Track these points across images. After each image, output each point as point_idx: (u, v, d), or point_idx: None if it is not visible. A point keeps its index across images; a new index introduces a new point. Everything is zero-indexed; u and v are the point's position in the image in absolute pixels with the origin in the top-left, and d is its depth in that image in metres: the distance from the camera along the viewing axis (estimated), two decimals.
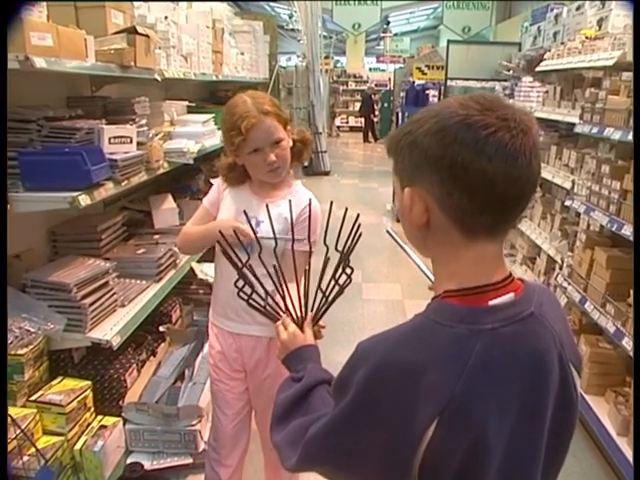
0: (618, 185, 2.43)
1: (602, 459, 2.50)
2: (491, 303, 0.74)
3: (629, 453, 2.22)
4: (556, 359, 0.77)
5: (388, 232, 1.23)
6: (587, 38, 3.37)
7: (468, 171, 0.69)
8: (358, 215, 1.26)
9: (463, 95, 0.77)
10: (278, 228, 1.50)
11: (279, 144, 1.67)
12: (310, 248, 1.45)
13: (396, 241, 1.18)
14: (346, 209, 1.31)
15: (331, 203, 1.32)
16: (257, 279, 1.27)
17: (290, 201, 1.54)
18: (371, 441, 0.74)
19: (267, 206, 1.49)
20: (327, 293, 1.22)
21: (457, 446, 0.69)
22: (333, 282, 1.22)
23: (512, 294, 0.76)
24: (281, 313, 1.23)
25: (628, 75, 2.59)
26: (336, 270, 1.19)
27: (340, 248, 1.22)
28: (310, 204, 1.63)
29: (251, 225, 1.46)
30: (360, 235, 1.21)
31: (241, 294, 1.24)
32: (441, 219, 0.74)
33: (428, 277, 1.12)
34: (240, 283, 1.24)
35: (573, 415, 0.83)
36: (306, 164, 9.79)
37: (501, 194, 0.70)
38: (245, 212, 1.57)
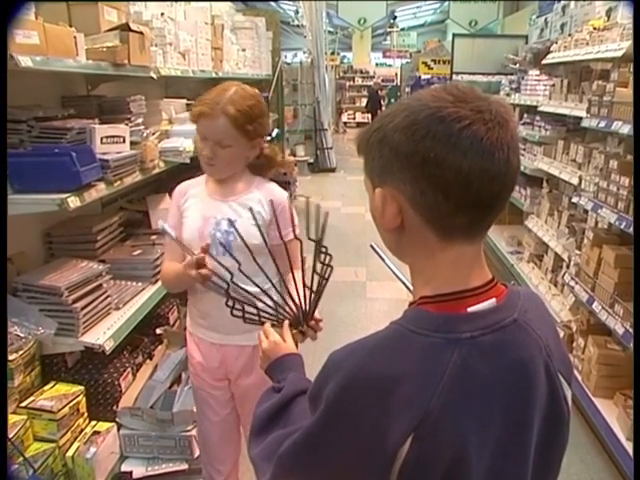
0: (627, 181, 2.35)
1: (611, 464, 2.43)
2: (470, 310, 0.69)
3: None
4: (543, 369, 0.71)
5: (372, 247, 1.17)
6: (595, 29, 3.28)
7: (442, 168, 0.64)
8: (318, 205, 1.21)
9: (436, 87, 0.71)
10: (252, 223, 1.45)
11: (224, 147, 1.58)
12: (295, 235, 1.43)
13: (380, 256, 1.13)
14: (307, 199, 1.29)
15: (307, 199, 1.29)
16: (246, 291, 1.24)
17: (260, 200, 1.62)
18: (343, 457, 0.69)
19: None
20: (312, 287, 1.17)
21: (435, 464, 0.64)
22: (316, 276, 1.16)
23: (493, 300, 0.70)
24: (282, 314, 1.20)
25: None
26: (315, 262, 1.14)
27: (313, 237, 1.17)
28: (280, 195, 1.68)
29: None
30: (324, 224, 1.15)
31: (235, 312, 1.19)
32: (415, 220, 0.69)
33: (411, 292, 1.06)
34: (230, 302, 1.20)
35: (563, 431, 0.77)
36: (311, 161, 9.75)
37: (478, 192, 0.65)
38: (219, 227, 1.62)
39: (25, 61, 1.61)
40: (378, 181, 0.71)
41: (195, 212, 1.70)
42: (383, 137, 0.69)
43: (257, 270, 1.55)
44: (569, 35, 3.92)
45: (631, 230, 2.22)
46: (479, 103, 0.66)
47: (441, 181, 0.64)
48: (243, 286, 1.27)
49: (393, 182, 0.69)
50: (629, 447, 2.20)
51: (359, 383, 0.67)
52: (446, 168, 0.64)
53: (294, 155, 8.74)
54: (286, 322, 1.18)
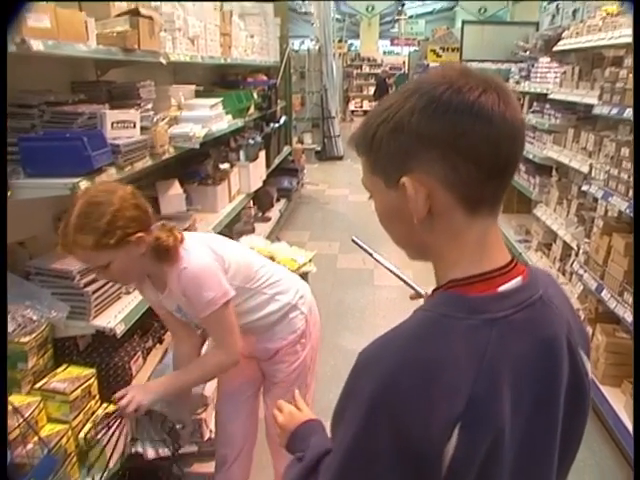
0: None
1: (617, 452, 2.44)
2: (500, 289, 0.69)
3: None
4: (565, 345, 0.72)
5: (354, 241, 1.14)
6: (608, 14, 3.25)
7: (470, 138, 0.65)
8: None
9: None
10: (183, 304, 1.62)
11: (106, 267, 1.45)
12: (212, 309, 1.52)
13: (364, 249, 1.10)
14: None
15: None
16: None
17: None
18: (390, 463, 0.63)
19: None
20: None
21: (479, 450, 0.63)
22: None
23: (519, 278, 0.71)
24: None
25: None
26: None
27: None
28: (182, 274, 1.53)
29: None
30: None
31: None
32: (445, 200, 0.68)
33: (410, 285, 1.05)
34: None
35: (585, 402, 0.78)
36: (319, 149, 9.73)
37: (505, 155, 0.67)
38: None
39: (37, 45, 1.61)
40: (399, 172, 0.69)
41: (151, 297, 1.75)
42: (396, 126, 0.67)
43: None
44: (581, 21, 3.88)
45: None
46: (477, 74, 0.68)
47: (472, 151, 0.65)
48: None
49: (420, 166, 0.67)
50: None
51: (400, 375, 0.64)
52: (474, 137, 0.65)
53: (301, 143, 8.71)
54: (296, 391, 1.18)
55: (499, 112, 0.65)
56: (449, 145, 0.65)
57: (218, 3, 3.60)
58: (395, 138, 0.68)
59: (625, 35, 2.65)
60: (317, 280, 3.25)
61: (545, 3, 6.44)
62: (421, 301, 1.33)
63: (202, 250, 1.60)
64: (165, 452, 1.83)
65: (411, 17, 19.41)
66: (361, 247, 1.08)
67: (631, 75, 2.52)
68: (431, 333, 0.66)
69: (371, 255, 1.07)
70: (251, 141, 4.39)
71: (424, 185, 0.67)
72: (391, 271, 1.06)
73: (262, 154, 4.66)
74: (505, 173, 0.69)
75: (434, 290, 0.74)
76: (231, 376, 1.86)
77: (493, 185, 0.68)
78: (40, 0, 1.71)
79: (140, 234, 1.45)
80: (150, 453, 1.83)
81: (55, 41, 1.72)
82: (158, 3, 2.73)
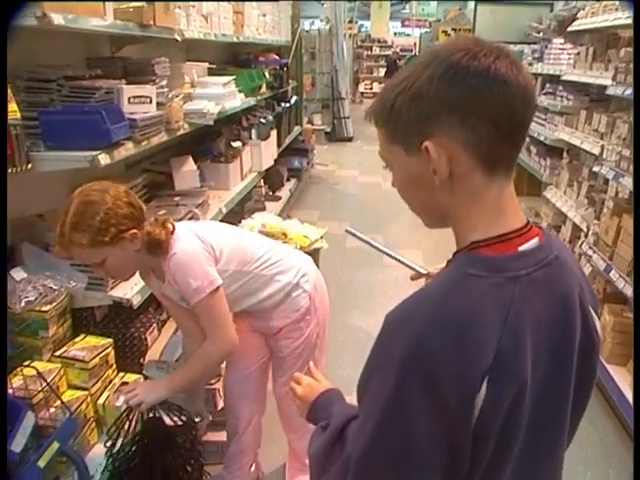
0: None
1: (620, 427, 2.49)
2: (520, 249, 0.73)
3: None
4: (578, 302, 0.76)
5: (348, 231, 1.14)
6: None
7: (488, 100, 0.69)
8: None
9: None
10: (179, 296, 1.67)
11: (102, 263, 1.51)
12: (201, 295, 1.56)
13: (361, 239, 1.10)
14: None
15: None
16: None
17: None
18: (425, 420, 0.66)
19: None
20: None
21: (504, 402, 0.67)
22: None
23: (536, 239, 0.75)
24: None
25: None
26: None
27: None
28: (171, 261, 1.58)
29: None
30: None
31: None
32: (465, 162, 0.71)
33: (410, 267, 1.06)
34: None
35: (595, 359, 0.82)
36: (328, 130, 9.70)
37: (520, 116, 0.71)
38: None
39: (57, 19, 1.63)
40: (419, 138, 0.71)
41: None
42: (415, 94, 0.71)
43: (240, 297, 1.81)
44: (598, 0, 3.83)
45: None
46: (489, 42, 0.72)
47: (490, 112, 0.69)
48: None
49: (441, 130, 0.70)
50: None
51: (431, 334, 0.67)
52: (492, 100, 0.68)
53: (311, 123, 8.70)
54: (311, 362, 1.20)
55: (513, 75, 0.69)
56: (468, 108, 0.69)
57: None
58: (415, 105, 0.71)
59: None
60: (326, 259, 3.29)
61: None
62: (422, 281, 1.34)
63: (190, 239, 1.63)
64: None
65: None
66: (357, 237, 1.08)
67: None
68: (458, 292, 0.70)
69: (368, 243, 1.07)
70: (263, 120, 4.40)
71: (445, 148, 0.70)
72: (390, 255, 1.07)
73: (273, 133, 4.67)
74: (519, 133, 0.73)
75: (455, 253, 0.77)
76: (238, 349, 1.89)
77: (509, 145, 0.72)
78: (42, 0, 1.70)
79: (133, 230, 1.51)
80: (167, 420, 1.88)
81: (74, 15, 1.74)
82: None
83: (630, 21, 2.79)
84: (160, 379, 1.78)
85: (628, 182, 2.50)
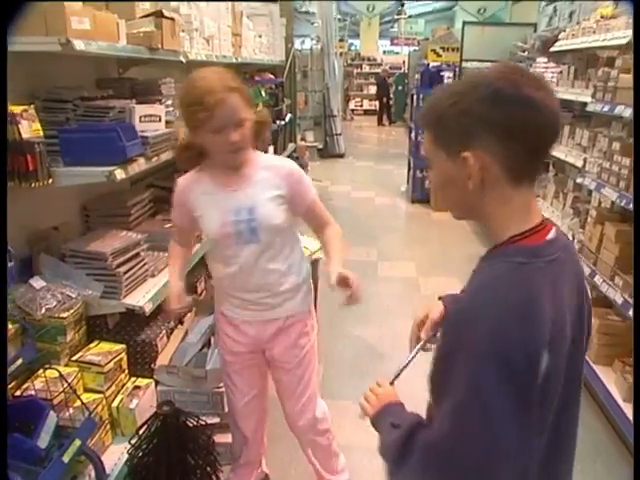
0: (628, 161, 2.50)
1: (608, 425, 2.61)
2: (547, 238, 0.89)
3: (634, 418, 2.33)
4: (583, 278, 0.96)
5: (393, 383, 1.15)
6: (602, 17, 3.41)
7: (524, 125, 0.82)
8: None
9: (482, 69, 0.90)
10: (271, 201, 1.69)
11: (243, 124, 1.58)
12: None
13: (402, 369, 1.16)
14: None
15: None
16: None
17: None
18: (503, 391, 0.77)
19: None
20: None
21: (556, 367, 0.82)
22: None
23: (554, 229, 0.91)
24: None
25: None
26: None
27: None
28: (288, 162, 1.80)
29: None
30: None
31: None
32: (496, 172, 0.85)
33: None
34: None
35: (589, 324, 0.99)
36: (320, 146, 9.87)
37: (549, 141, 0.86)
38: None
39: (79, 45, 1.76)
40: (460, 146, 0.85)
41: (210, 208, 1.72)
42: (463, 110, 0.84)
43: (279, 251, 1.78)
44: (577, 23, 4.04)
45: (631, 207, 2.37)
46: (530, 72, 0.88)
47: (524, 135, 0.82)
48: None
49: (481, 144, 0.83)
50: (625, 408, 2.37)
51: (503, 319, 0.79)
52: (527, 125, 0.82)
53: (304, 140, 8.87)
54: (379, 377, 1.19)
55: (548, 105, 0.82)
56: (506, 129, 0.82)
57: (230, 4, 3.75)
58: (461, 120, 0.84)
59: (617, 37, 2.81)
60: (323, 271, 3.40)
61: (543, 4, 6.60)
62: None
63: None
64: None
65: (411, 17, 19.52)
66: (400, 372, 1.17)
67: (621, 75, 2.69)
68: (516, 279, 0.83)
69: (406, 366, 1.16)
70: None
71: (481, 159, 0.84)
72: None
73: (270, 150, 4.81)
74: (545, 153, 0.87)
75: (494, 247, 0.91)
76: (236, 381, 1.97)
77: (535, 162, 0.87)
78: (47, 0, 1.83)
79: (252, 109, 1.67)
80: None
81: (93, 41, 1.87)
82: (176, 5, 2.89)
83: (606, 43, 2.97)
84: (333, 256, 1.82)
85: (609, 192, 2.66)
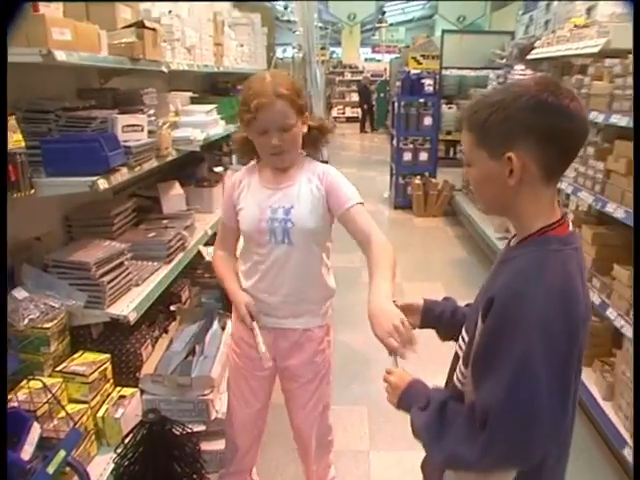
0: (602, 165, 2.57)
1: (589, 423, 2.66)
2: (569, 229, 1.02)
3: (613, 416, 2.38)
4: None
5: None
6: (576, 26, 3.50)
7: (560, 132, 0.94)
8: None
9: (527, 78, 1.04)
10: (309, 204, 1.71)
11: (288, 130, 1.64)
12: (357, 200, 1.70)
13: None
14: None
15: None
16: None
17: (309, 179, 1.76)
18: (547, 370, 0.90)
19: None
20: None
21: (585, 341, 0.98)
22: None
23: (570, 223, 1.04)
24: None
25: (611, 62, 2.72)
26: None
27: None
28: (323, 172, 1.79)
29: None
30: None
31: None
32: (532, 172, 0.97)
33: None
34: None
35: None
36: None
37: (578, 146, 0.99)
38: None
39: (60, 55, 1.77)
40: (503, 149, 0.96)
41: (251, 202, 1.77)
42: (507, 116, 0.95)
43: (310, 257, 1.79)
44: (552, 32, 4.14)
45: (606, 209, 2.44)
46: (564, 84, 0.99)
47: (559, 141, 0.95)
48: None
49: (520, 146, 0.95)
50: (605, 406, 2.43)
51: (548, 300, 0.91)
52: (563, 131, 0.95)
53: None
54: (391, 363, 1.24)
55: (580, 115, 0.96)
56: (544, 135, 0.94)
57: (211, 14, 3.78)
58: (506, 125, 0.96)
59: (589, 46, 2.89)
60: None
61: (520, 13, 6.73)
62: None
63: None
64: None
65: (391, 25, 19.79)
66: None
67: (594, 82, 2.76)
68: (554, 264, 0.96)
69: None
70: None
71: (522, 159, 0.96)
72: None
73: None
74: (574, 156, 1.00)
75: (524, 239, 1.02)
76: (240, 395, 1.97)
77: (565, 164, 1.00)
78: (43, 0, 1.84)
79: (307, 113, 1.74)
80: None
81: (75, 52, 1.88)
82: (158, 15, 2.90)
83: (579, 52, 3.05)
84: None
85: (585, 195, 2.72)
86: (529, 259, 0.97)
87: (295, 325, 1.85)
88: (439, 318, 1.35)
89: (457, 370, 1.13)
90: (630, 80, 2.41)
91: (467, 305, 1.35)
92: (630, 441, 2.23)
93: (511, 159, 0.95)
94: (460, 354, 1.13)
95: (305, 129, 1.74)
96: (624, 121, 2.35)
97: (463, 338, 1.14)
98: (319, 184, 1.75)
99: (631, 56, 2.47)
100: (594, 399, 2.51)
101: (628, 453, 2.20)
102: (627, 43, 2.62)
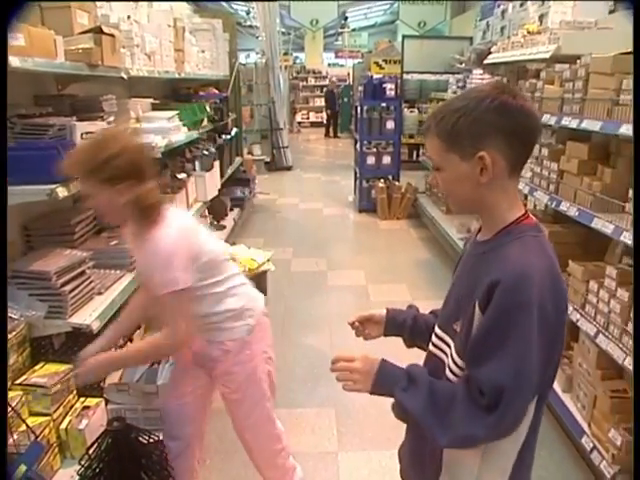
0: (555, 166, 2.67)
1: (550, 416, 2.74)
2: (535, 220, 1.11)
3: (572, 407, 2.47)
4: None
5: None
6: (529, 33, 3.62)
7: (522, 129, 1.04)
8: None
9: (488, 83, 1.13)
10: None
11: (92, 197, 1.62)
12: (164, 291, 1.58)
13: None
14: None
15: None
16: None
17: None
18: (540, 344, 0.98)
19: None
20: None
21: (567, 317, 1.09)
22: None
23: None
24: None
25: (561, 67, 2.83)
26: None
27: None
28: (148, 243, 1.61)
29: None
30: None
31: None
32: (502, 166, 1.05)
33: None
34: None
35: None
36: (268, 160, 9.91)
37: (535, 140, 1.09)
38: None
39: (14, 62, 1.75)
40: (474, 149, 1.04)
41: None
42: (475, 118, 1.03)
43: None
44: (508, 38, 4.27)
45: (560, 208, 2.53)
46: (514, 87, 1.10)
47: (522, 136, 1.05)
48: None
49: (491, 144, 1.03)
50: (564, 397, 2.52)
51: (544, 280, 0.99)
52: (525, 127, 1.04)
53: (251, 154, 8.89)
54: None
55: (535, 114, 1.07)
56: (511, 132, 1.03)
57: (172, 20, 3.76)
58: (474, 127, 1.03)
59: (541, 51, 3.00)
60: (273, 283, 3.45)
61: (478, 19, 6.91)
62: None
63: (178, 230, 1.65)
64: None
65: (354, 30, 19.98)
66: None
67: (546, 86, 2.87)
68: (537, 247, 1.05)
69: None
70: (205, 152, 4.54)
71: (492, 156, 1.04)
72: None
73: (216, 164, 4.82)
74: (532, 148, 1.09)
75: (500, 229, 1.09)
76: (173, 377, 1.99)
77: (525, 157, 1.09)
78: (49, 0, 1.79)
79: (128, 184, 1.57)
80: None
81: (30, 57, 1.86)
82: (116, 20, 2.88)
83: (532, 57, 3.17)
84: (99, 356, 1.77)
85: (541, 195, 2.82)
86: (517, 245, 1.04)
87: (207, 359, 1.92)
88: (402, 326, 1.39)
89: (449, 366, 1.14)
90: (578, 84, 2.52)
91: (431, 312, 1.40)
92: (588, 430, 2.32)
93: (483, 157, 1.03)
94: (448, 351, 1.16)
95: (123, 200, 1.59)
96: (574, 123, 2.45)
97: (441, 338, 1.19)
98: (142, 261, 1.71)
99: (579, 62, 2.58)
100: (554, 391, 2.59)
101: (586, 441, 2.29)
102: (576, 49, 2.75)
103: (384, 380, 1.12)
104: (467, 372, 1.07)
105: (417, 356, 1.30)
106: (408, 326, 1.39)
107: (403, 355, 1.37)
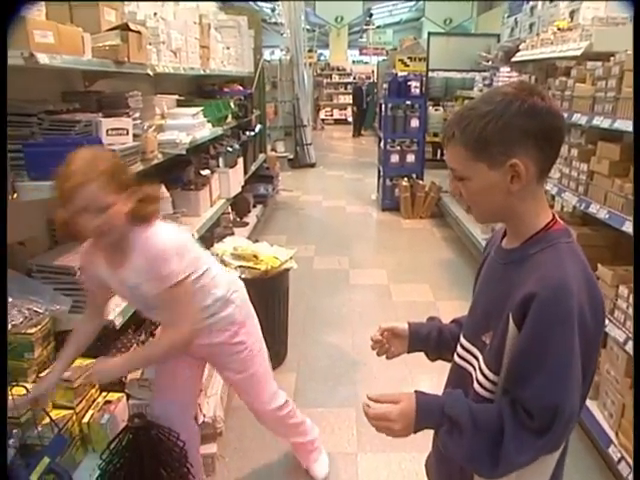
0: (585, 167, 2.59)
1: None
2: (563, 224, 1.06)
3: (599, 415, 2.41)
4: None
5: None
6: (559, 29, 3.54)
7: (553, 131, 0.99)
8: None
9: (501, 85, 1.07)
10: (142, 278, 1.61)
11: (105, 210, 1.51)
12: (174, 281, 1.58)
13: None
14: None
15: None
16: None
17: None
18: (592, 351, 0.98)
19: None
20: None
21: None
22: None
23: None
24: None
25: (592, 64, 2.75)
26: None
27: None
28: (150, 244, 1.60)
29: None
30: None
31: None
32: (532, 172, 0.99)
33: None
34: None
35: None
36: (291, 157, 9.91)
37: (562, 141, 1.03)
38: None
39: (43, 58, 1.76)
40: (505, 156, 0.98)
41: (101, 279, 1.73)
42: (505, 124, 0.97)
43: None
44: (537, 35, 4.18)
45: (590, 210, 2.46)
46: (540, 87, 1.05)
47: (552, 138, 0.99)
48: None
49: (522, 150, 0.98)
50: (590, 405, 2.45)
51: (582, 290, 0.95)
52: (555, 130, 0.99)
53: (275, 151, 8.90)
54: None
55: (562, 114, 1.02)
56: (542, 135, 0.98)
57: (197, 17, 3.77)
58: (505, 133, 0.97)
59: (572, 49, 2.92)
60: (296, 280, 3.42)
61: (505, 16, 6.79)
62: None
63: (171, 228, 1.71)
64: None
65: (379, 27, 19.84)
66: None
67: (577, 84, 2.79)
68: (571, 255, 1.00)
69: None
70: (229, 149, 4.55)
71: (524, 163, 0.98)
72: None
73: (240, 161, 4.83)
74: (559, 152, 1.03)
75: (531, 236, 1.04)
76: (165, 380, 1.97)
77: (553, 160, 1.03)
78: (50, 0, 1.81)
79: (130, 190, 1.58)
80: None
81: (58, 54, 1.87)
82: (143, 17, 2.89)
83: (562, 54, 3.09)
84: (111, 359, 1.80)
85: (569, 196, 2.75)
86: (550, 254, 1.00)
87: (210, 349, 1.96)
88: (426, 340, 1.32)
89: (477, 380, 1.08)
90: (612, 82, 2.44)
91: (453, 321, 1.34)
92: (615, 440, 2.26)
93: (515, 165, 0.97)
94: (476, 363, 1.10)
95: (125, 208, 1.58)
96: (606, 123, 2.38)
97: (468, 349, 1.13)
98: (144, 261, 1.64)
99: (613, 59, 2.50)
100: None
101: (613, 451, 2.22)
102: (609, 46, 2.67)
103: (424, 423, 1.05)
104: (510, 394, 1.00)
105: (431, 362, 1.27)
106: (433, 339, 1.31)
107: (424, 362, 1.35)
